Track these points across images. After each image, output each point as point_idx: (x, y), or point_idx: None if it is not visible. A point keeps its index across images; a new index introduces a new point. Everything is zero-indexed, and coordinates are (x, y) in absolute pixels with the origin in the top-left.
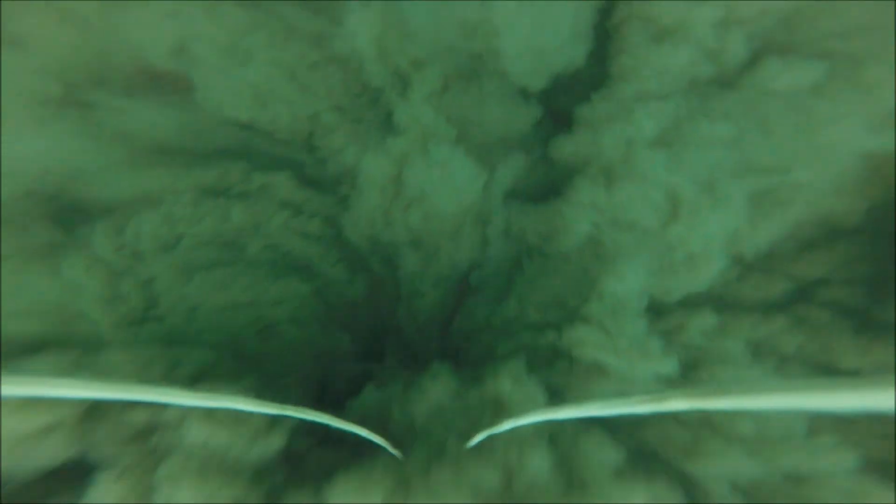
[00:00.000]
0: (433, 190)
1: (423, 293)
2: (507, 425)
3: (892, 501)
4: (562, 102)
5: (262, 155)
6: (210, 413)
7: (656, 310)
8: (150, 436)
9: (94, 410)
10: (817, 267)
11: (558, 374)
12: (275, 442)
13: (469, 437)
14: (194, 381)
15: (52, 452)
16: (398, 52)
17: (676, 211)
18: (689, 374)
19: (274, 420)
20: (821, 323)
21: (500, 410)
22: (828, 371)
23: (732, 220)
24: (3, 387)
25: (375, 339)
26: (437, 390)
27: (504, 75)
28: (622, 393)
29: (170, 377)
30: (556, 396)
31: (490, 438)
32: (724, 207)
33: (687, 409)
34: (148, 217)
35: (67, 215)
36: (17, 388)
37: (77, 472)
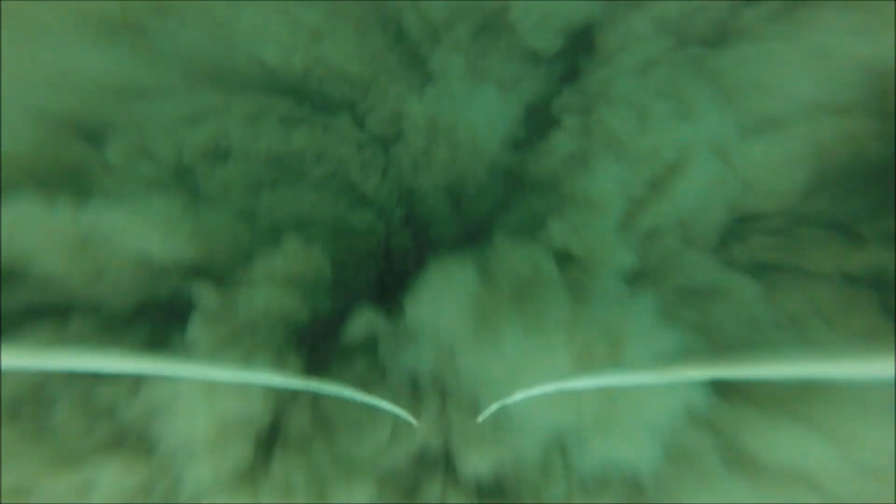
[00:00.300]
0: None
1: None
2: (518, 396)
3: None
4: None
5: (319, 95)
6: None
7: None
8: None
9: None
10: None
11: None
12: None
13: None
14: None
15: None
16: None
17: (645, 124)
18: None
19: None
20: (800, 234)
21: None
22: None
23: (707, 130)
24: (3, 357)
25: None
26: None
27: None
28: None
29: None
30: None
31: None
32: (693, 118)
33: (699, 379)
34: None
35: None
36: (18, 358)
37: None
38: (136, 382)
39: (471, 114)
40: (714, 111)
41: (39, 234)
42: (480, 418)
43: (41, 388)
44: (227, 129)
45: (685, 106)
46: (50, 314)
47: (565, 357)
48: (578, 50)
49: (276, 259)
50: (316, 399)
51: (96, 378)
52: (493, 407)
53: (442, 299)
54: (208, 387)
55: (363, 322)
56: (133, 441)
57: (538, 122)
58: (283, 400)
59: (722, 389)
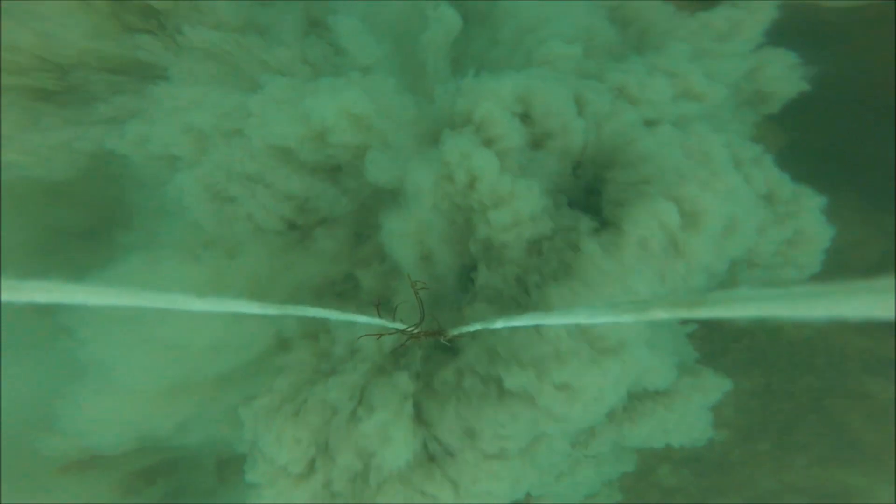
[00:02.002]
0: None
1: None
2: (498, 324)
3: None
4: None
5: None
6: None
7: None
8: None
9: None
10: None
11: None
12: None
13: None
14: None
15: None
16: None
17: None
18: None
19: None
20: None
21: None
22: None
23: None
24: (3, 292)
25: None
26: None
27: None
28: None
29: None
30: None
31: None
32: None
33: (671, 318)
34: None
35: None
36: (19, 293)
37: None
38: None
39: None
40: None
41: None
42: (446, 337)
43: None
44: None
45: None
46: None
47: None
48: None
49: None
50: None
51: None
52: (470, 328)
53: None
54: None
55: None
56: None
57: None
58: None
59: None
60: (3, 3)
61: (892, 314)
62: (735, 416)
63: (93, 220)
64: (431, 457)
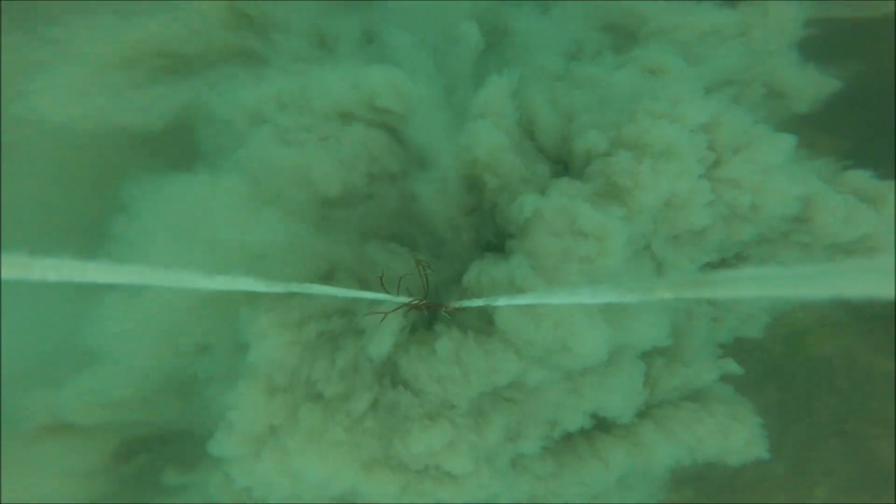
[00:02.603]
0: None
1: None
2: (500, 301)
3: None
4: None
5: None
6: None
7: None
8: None
9: None
10: None
11: None
12: None
13: None
14: None
15: None
16: None
17: None
18: None
19: None
20: None
21: None
22: None
23: None
24: (3, 268)
25: None
26: None
27: None
28: None
29: None
30: None
31: None
32: None
33: (674, 298)
34: None
35: None
36: (18, 269)
37: None
38: None
39: None
40: None
41: None
42: (447, 310)
43: None
44: None
45: None
46: None
47: None
48: None
49: None
50: None
51: None
52: (472, 303)
53: None
54: None
55: None
56: None
57: None
58: None
59: None
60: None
61: (893, 294)
62: None
63: (168, 160)
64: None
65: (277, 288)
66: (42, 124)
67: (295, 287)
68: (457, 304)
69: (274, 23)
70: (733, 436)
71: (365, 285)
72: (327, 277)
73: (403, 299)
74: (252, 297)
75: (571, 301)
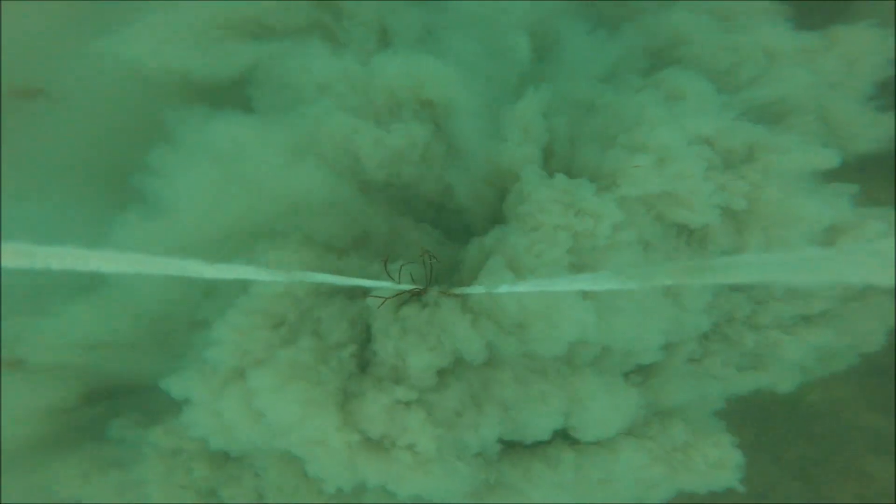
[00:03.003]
0: None
1: None
2: (502, 288)
3: None
4: None
5: None
6: None
7: None
8: None
9: None
10: None
11: None
12: None
13: None
14: None
15: None
16: None
17: None
18: None
19: None
20: None
21: None
22: None
23: None
24: (3, 257)
25: None
26: None
27: None
28: None
29: None
30: None
31: None
32: None
33: (674, 284)
34: None
35: None
36: (18, 257)
37: None
38: None
39: None
40: None
41: None
42: (447, 292)
43: None
44: None
45: None
46: None
47: None
48: None
49: None
50: None
51: None
52: (473, 290)
53: None
54: None
55: None
56: None
57: None
58: None
59: None
60: None
61: (892, 280)
62: None
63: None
64: None
65: (279, 277)
66: (118, 60)
67: (297, 276)
68: (457, 291)
69: (347, 10)
70: (707, 454)
71: (394, 258)
72: (360, 243)
73: (406, 287)
74: (272, 235)
75: (573, 287)
